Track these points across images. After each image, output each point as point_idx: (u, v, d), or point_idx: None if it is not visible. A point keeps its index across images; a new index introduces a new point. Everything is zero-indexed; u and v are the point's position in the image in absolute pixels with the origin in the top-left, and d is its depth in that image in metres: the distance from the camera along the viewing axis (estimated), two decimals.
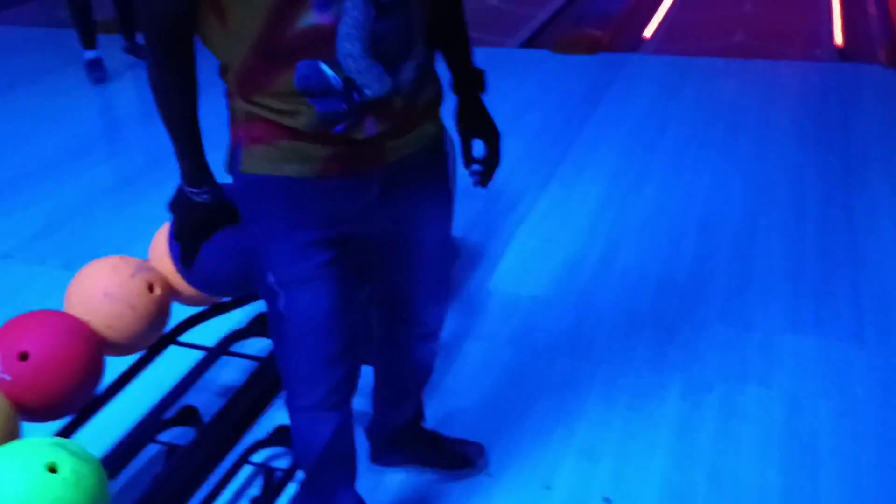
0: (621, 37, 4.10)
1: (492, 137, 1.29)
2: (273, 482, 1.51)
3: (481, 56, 4.26)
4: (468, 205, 2.54)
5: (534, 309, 2.03)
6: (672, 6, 4.53)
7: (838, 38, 3.86)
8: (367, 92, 0.99)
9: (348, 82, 0.97)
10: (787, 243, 2.24)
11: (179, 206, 1.12)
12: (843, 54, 3.73)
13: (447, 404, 1.72)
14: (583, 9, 4.46)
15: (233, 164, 1.07)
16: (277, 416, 1.66)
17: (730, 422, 1.63)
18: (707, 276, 2.11)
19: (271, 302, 1.14)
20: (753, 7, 4.45)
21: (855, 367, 1.76)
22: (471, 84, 1.27)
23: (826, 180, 2.56)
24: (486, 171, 1.28)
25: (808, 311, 1.95)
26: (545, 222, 2.44)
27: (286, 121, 0.99)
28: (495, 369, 1.83)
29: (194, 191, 1.10)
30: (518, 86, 3.50)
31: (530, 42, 4.22)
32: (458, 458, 1.55)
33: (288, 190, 1.04)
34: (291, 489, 1.51)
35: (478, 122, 1.28)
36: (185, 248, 1.17)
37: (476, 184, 1.27)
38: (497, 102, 3.30)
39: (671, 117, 3.08)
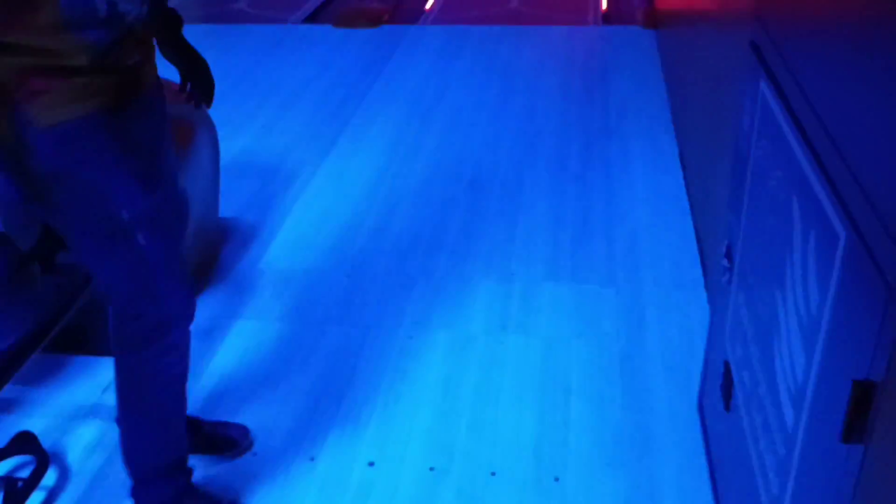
0: (403, 8, 4.13)
1: (198, 62, 1.38)
2: (16, 493, 1.40)
3: (262, 33, 4.13)
4: (244, 184, 2.48)
5: (307, 282, 2.01)
6: None
7: (604, 4, 4.09)
8: (128, 18, 1.03)
9: (112, 6, 1.00)
10: (550, 196, 2.35)
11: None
12: (606, 18, 3.96)
13: (213, 388, 1.66)
14: None
15: (17, 128, 1.02)
16: (16, 423, 1.55)
17: (491, 371, 1.69)
18: (474, 234, 2.17)
19: (125, 239, 1.14)
20: None
21: (605, 307, 1.88)
22: (171, 21, 1.33)
23: (586, 134, 2.71)
24: (203, 93, 1.39)
25: (565, 260, 2.06)
26: (322, 196, 2.41)
27: (65, 62, 0.99)
28: (265, 347, 1.79)
29: None
30: (299, 62, 3.44)
31: (313, 17, 4.16)
32: (221, 440, 1.51)
33: (101, 124, 1.05)
34: (36, 498, 1.41)
35: (184, 52, 1.36)
36: None
37: (196, 104, 1.40)
38: (277, 79, 3.27)
39: (448, 85, 3.14)
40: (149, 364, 1.26)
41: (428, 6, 4.17)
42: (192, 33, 3.79)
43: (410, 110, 2.94)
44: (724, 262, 1.13)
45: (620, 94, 3.02)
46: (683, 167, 2.44)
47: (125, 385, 1.28)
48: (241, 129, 2.83)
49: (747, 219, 1.05)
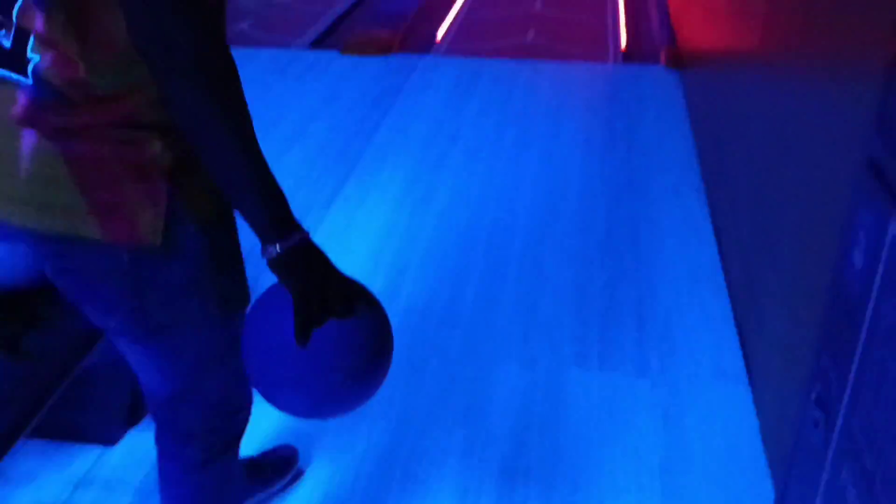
0: (414, 37, 3.95)
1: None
2: None
3: (264, 59, 3.92)
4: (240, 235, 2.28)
5: None
6: (464, 5, 4.45)
7: (623, 40, 3.92)
8: None
9: None
10: (574, 264, 2.17)
11: (299, 261, 0.84)
12: (627, 55, 3.79)
13: None
14: (374, 8, 4.27)
15: (175, 228, 0.87)
16: None
17: (515, 482, 1.50)
18: (492, 307, 1.98)
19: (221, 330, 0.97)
20: (544, 7, 4.46)
21: (640, 402, 1.69)
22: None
23: (611, 190, 2.53)
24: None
25: (592, 342, 1.87)
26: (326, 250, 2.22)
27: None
28: (254, 418, 1.60)
29: (303, 231, 0.87)
30: (303, 94, 3.25)
31: (320, 41, 3.98)
32: (278, 461, 1.48)
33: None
34: None
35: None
36: (308, 319, 0.83)
37: None
38: (279, 113, 3.07)
39: (461, 126, 2.96)
40: (227, 468, 1.11)
41: (440, 35, 4.00)
42: None
43: (422, 155, 2.75)
44: (816, 412, 0.95)
45: (645, 143, 2.84)
46: (718, 240, 2.26)
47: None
48: None
49: (865, 374, 0.86)
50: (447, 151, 2.78)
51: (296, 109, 3.10)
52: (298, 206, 2.39)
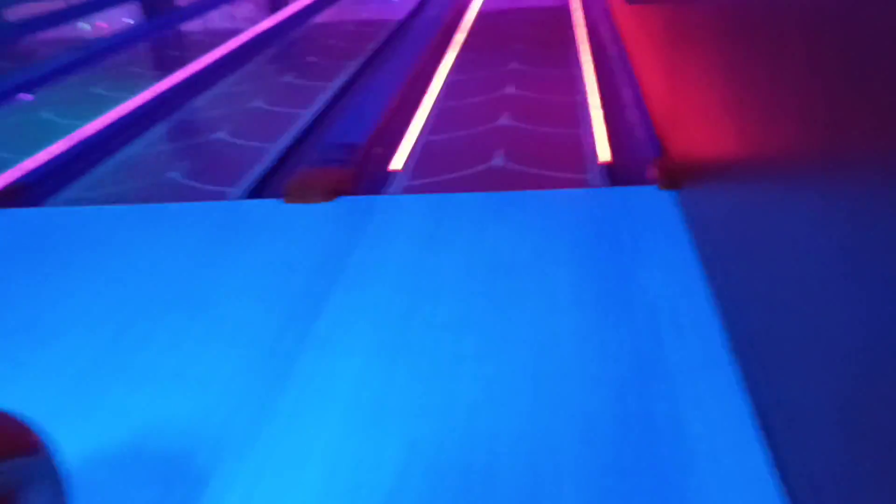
0: (367, 172, 3.48)
1: None
2: None
3: (195, 215, 3.29)
4: (130, 496, 1.71)
5: None
6: (422, 126, 4.02)
7: (604, 154, 3.47)
8: None
9: None
10: (581, 499, 1.61)
11: None
12: (611, 172, 3.33)
13: None
14: (320, 140, 3.83)
15: None
16: None
17: None
18: None
19: None
20: (511, 119, 4.03)
21: None
22: None
23: (617, 376, 1.98)
24: None
25: None
26: (253, 493, 1.66)
27: None
28: None
29: None
30: (237, 258, 2.73)
31: (261, 187, 3.51)
32: None
33: None
34: None
35: None
36: None
37: None
38: (205, 292, 2.47)
39: (424, 295, 2.42)
40: None
41: (398, 165, 3.53)
42: (112, 216, 2.92)
43: (376, 342, 2.21)
44: None
45: (651, 299, 2.31)
46: (768, 433, 1.71)
47: None
48: (145, 382, 2.09)
49: None
50: (406, 333, 2.24)
51: (225, 284, 2.57)
52: (217, 437, 1.84)
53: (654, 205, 2.90)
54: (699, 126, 2.58)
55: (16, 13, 9.77)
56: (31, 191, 3.62)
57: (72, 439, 1.86)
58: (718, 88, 2.25)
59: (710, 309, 2.21)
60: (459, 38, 6.06)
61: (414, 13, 7.28)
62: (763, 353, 1.80)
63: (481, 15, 6.96)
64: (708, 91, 2.40)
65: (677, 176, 2.96)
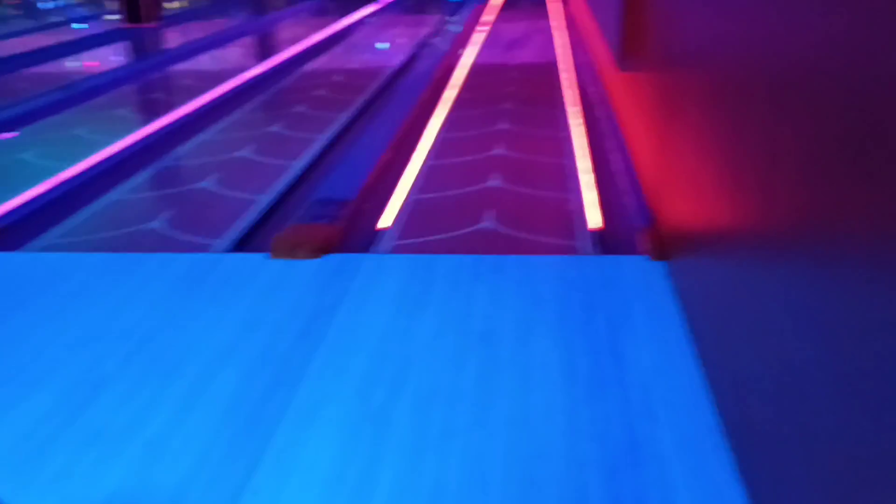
0: (355, 229, 3.44)
1: None
2: None
3: (177, 268, 3.19)
4: None
5: None
6: (412, 185, 4.00)
7: (594, 220, 3.46)
8: None
9: None
10: None
11: None
12: (601, 239, 3.31)
13: None
14: (309, 194, 3.79)
15: None
16: None
17: None
18: None
19: None
20: (502, 181, 4.02)
21: None
22: None
23: (607, 456, 1.91)
24: None
25: None
26: None
27: None
28: None
29: None
30: (220, 315, 2.66)
31: (247, 239, 3.45)
32: None
33: None
34: None
35: None
36: None
37: None
38: (183, 350, 2.38)
39: (410, 363, 2.35)
40: None
41: (387, 223, 3.50)
42: (90, 265, 2.83)
43: (360, 411, 2.14)
44: None
45: (642, 376, 2.26)
46: None
47: None
48: (118, 451, 2.00)
49: None
50: (392, 405, 2.16)
51: (206, 345, 2.49)
52: None
53: (644, 275, 2.87)
54: (690, 195, 2.57)
55: (1, 48, 9.74)
56: (7, 234, 3.54)
57: None
58: (711, 158, 2.25)
59: (702, 387, 2.17)
60: (449, 94, 6.10)
61: (404, 66, 7.34)
62: (757, 437, 1.76)
63: (472, 71, 7.03)
64: (700, 160, 2.40)
65: (667, 246, 2.95)
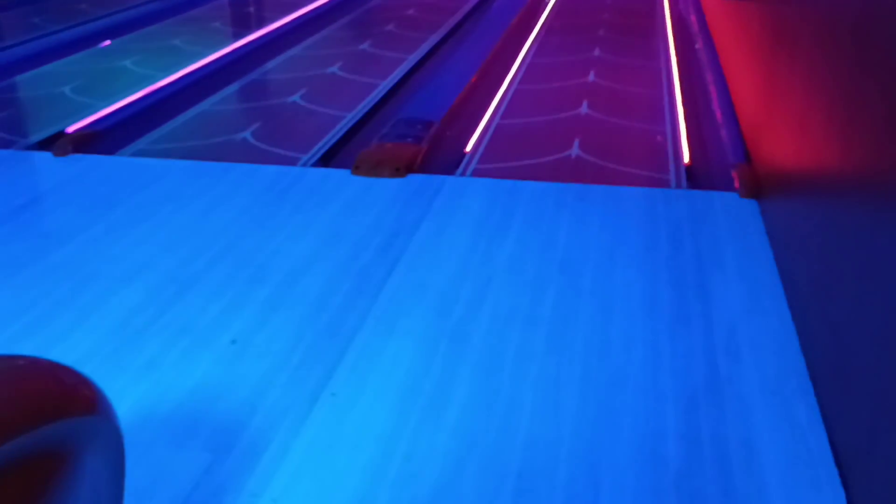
0: (438, 150, 3.41)
1: None
2: None
3: (264, 178, 3.23)
4: (182, 462, 1.67)
5: None
6: (497, 108, 3.93)
7: (686, 154, 3.34)
8: None
9: None
10: None
11: None
12: (691, 173, 3.19)
13: None
14: (394, 113, 3.77)
15: None
16: None
17: None
18: None
19: None
20: (590, 109, 3.91)
21: None
22: None
23: (686, 389, 1.88)
24: None
25: None
26: (294, 492, 1.62)
27: None
28: None
29: None
30: (304, 227, 2.70)
31: (331, 154, 3.47)
32: None
33: None
34: None
35: None
36: None
37: None
38: (268, 257, 2.49)
39: (489, 284, 2.35)
40: None
41: (470, 147, 3.46)
42: (181, 171, 2.93)
43: (436, 328, 2.15)
44: None
45: (727, 313, 2.20)
46: (845, 471, 1.61)
47: None
48: (205, 344, 2.08)
49: None
50: (468, 323, 2.17)
51: (290, 253, 2.54)
52: (271, 407, 1.81)
53: (735, 212, 2.77)
54: (794, 133, 2.44)
55: None
56: (104, 138, 3.65)
57: (126, 395, 1.85)
58: (822, 95, 2.12)
59: (791, 330, 2.10)
60: (542, 19, 5.92)
61: None
62: (844, 383, 1.69)
63: None
64: (809, 97, 2.27)
65: (762, 185, 2.83)
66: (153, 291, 2.31)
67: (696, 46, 4.97)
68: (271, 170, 3.20)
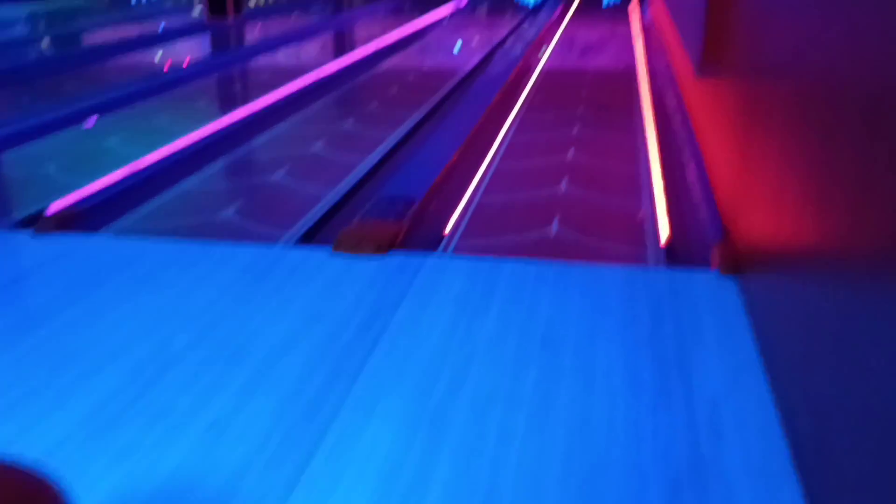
0: (420, 228, 3.44)
1: None
2: None
3: (245, 259, 3.23)
4: None
5: None
6: (479, 186, 3.98)
7: (664, 230, 3.38)
8: None
9: None
10: None
11: None
12: (670, 251, 3.23)
13: None
14: (377, 190, 3.81)
15: None
16: None
17: None
18: None
19: None
20: (571, 186, 3.97)
21: None
22: None
23: (669, 470, 1.86)
24: None
25: None
26: None
27: None
28: None
29: None
30: (284, 306, 2.68)
31: (313, 232, 3.49)
32: None
33: None
34: None
35: None
36: None
37: None
38: (253, 335, 2.48)
39: (470, 363, 2.34)
40: None
41: (450, 225, 3.49)
42: (162, 251, 2.92)
43: (416, 410, 2.12)
44: None
45: (709, 392, 2.20)
46: None
47: None
48: (182, 429, 2.04)
49: None
50: (451, 402, 2.15)
51: (270, 334, 2.52)
52: (249, 494, 1.77)
53: (714, 290, 2.79)
54: (770, 210, 2.49)
55: (90, 39, 10.12)
56: (86, 217, 3.66)
57: (102, 483, 1.81)
58: (796, 172, 2.16)
59: (773, 409, 2.09)
60: (522, 97, 6.06)
61: (477, 68, 7.34)
62: (827, 464, 1.68)
63: (545, 73, 6.98)
64: (783, 174, 2.32)
65: (741, 262, 2.86)
66: (130, 375, 2.28)
67: (674, 124, 5.09)
68: (252, 249, 3.20)
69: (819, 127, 1.97)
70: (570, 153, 4.59)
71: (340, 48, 9.76)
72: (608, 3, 13.93)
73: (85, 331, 2.56)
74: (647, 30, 9.62)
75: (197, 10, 12.81)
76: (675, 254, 3.25)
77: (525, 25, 10.64)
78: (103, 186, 4.07)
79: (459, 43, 9.61)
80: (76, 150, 4.83)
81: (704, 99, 4.26)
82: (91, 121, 5.52)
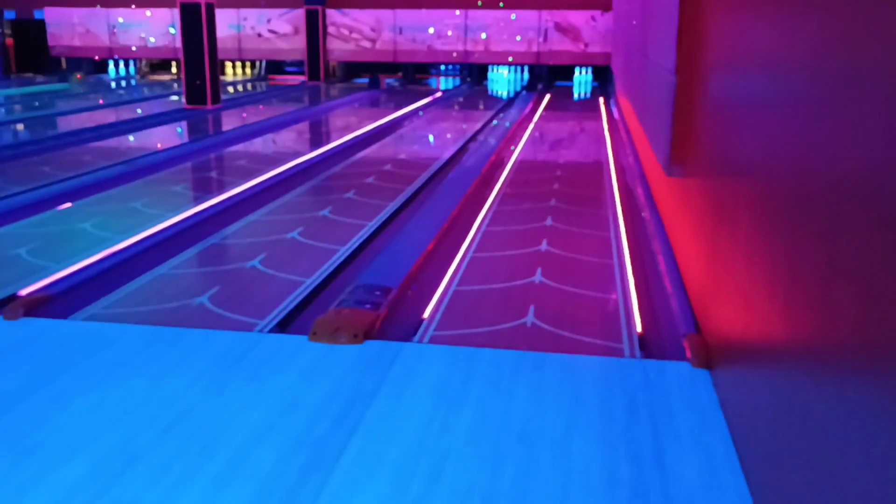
0: (396, 316, 3.45)
1: None
2: None
3: (219, 346, 3.19)
4: None
5: None
6: (455, 275, 4.02)
7: (637, 322, 3.42)
8: None
9: None
10: None
11: None
12: (643, 342, 3.26)
13: None
14: (354, 278, 3.83)
15: None
16: None
17: None
18: None
19: None
20: (546, 276, 4.02)
21: None
22: None
23: None
24: None
25: None
26: None
27: None
28: None
29: None
30: (259, 396, 2.65)
31: (288, 320, 3.47)
32: None
33: None
34: None
35: None
36: None
37: None
38: (226, 427, 2.41)
39: (446, 457, 2.31)
40: None
41: (427, 313, 3.50)
42: (134, 337, 2.87)
43: (394, 503, 2.09)
44: None
45: (685, 488, 2.19)
46: None
47: None
48: None
49: None
50: (428, 497, 2.11)
51: (243, 424, 2.48)
52: None
53: (687, 383, 2.81)
54: (739, 305, 2.54)
55: (67, 123, 10.20)
56: (57, 302, 3.61)
57: None
58: (762, 269, 2.22)
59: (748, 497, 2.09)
60: (496, 189, 6.19)
61: (452, 159, 7.49)
62: None
63: (517, 167, 7.15)
64: (750, 271, 2.38)
65: (712, 355, 2.89)
66: (97, 466, 2.22)
67: (644, 217, 5.21)
68: (226, 335, 3.18)
69: (782, 226, 2.04)
70: (543, 245, 4.66)
71: (317, 137, 9.93)
72: (579, 97, 14.43)
73: (50, 419, 2.49)
74: (615, 124, 9.94)
75: (175, 97, 13.00)
76: (649, 345, 3.27)
77: (500, 117, 10.94)
78: (76, 270, 4.04)
79: (434, 135, 9.84)
80: (50, 232, 4.81)
81: (673, 194, 4.38)
82: (67, 204, 5.51)
